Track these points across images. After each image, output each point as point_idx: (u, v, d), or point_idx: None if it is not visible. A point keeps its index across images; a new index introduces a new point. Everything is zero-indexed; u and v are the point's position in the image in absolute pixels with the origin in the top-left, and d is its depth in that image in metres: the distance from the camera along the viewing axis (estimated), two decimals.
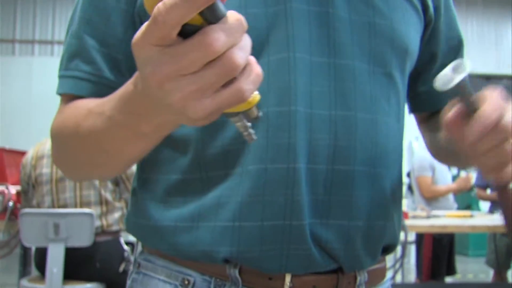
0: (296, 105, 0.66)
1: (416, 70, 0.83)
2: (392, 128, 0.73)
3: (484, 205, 5.88)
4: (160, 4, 0.38)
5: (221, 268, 0.68)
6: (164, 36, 0.40)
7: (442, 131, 0.77)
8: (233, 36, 0.40)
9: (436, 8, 0.81)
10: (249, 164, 0.66)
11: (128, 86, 0.51)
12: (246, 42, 0.42)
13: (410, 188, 5.42)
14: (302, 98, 0.66)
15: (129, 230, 0.78)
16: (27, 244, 2.67)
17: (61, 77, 0.72)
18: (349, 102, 0.68)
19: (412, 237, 4.63)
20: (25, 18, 8.29)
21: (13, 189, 2.95)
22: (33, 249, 2.86)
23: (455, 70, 0.57)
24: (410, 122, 0.87)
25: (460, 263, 5.57)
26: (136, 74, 0.48)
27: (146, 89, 0.44)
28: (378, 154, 0.70)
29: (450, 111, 0.62)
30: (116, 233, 2.64)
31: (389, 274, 0.79)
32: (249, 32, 0.42)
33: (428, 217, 3.42)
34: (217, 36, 0.39)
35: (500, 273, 4.31)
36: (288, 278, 0.68)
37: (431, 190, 4.42)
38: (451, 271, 4.52)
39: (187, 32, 0.40)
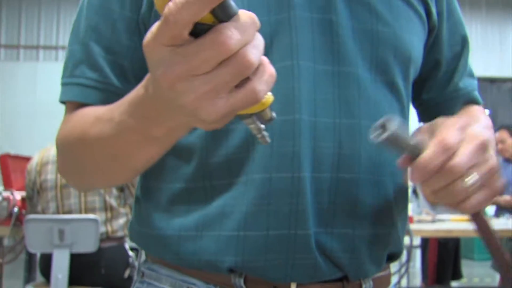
0: (300, 114, 0.65)
1: (421, 78, 0.83)
2: None
3: (490, 209, 5.85)
4: (171, 4, 0.38)
5: (225, 277, 0.68)
6: (176, 36, 0.39)
7: None
8: (246, 34, 0.40)
9: (439, 14, 0.81)
10: (254, 173, 0.66)
11: (138, 90, 0.50)
12: (259, 40, 0.42)
13: (415, 192, 5.40)
14: (306, 106, 0.66)
15: (133, 239, 0.78)
16: (32, 250, 2.68)
17: (65, 84, 0.71)
18: (353, 110, 0.68)
19: (417, 241, 4.61)
20: (29, 24, 8.32)
21: (18, 195, 2.96)
22: (38, 255, 2.86)
23: (384, 126, 0.57)
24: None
25: (466, 267, 5.55)
26: (147, 77, 0.48)
27: (158, 91, 0.44)
28: (382, 162, 0.70)
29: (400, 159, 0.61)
30: (121, 239, 2.65)
31: (394, 279, 0.79)
32: None
33: (433, 221, 3.41)
34: (230, 34, 0.39)
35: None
36: (293, 287, 0.67)
37: None
38: (457, 275, 4.50)
39: (198, 31, 0.40)
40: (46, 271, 2.59)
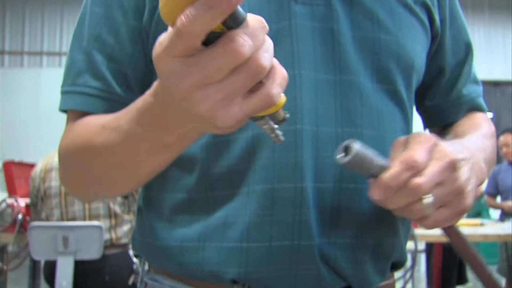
0: (302, 124, 0.65)
1: (424, 85, 0.83)
2: None
3: (495, 213, 5.82)
4: (182, 17, 0.38)
5: None
6: (189, 47, 0.39)
7: None
8: (257, 39, 0.40)
9: (442, 21, 0.80)
10: (256, 184, 0.66)
11: (146, 98, 0.50)
12: (269, 43, 0.42)
13: None
14: (308, 116, 0.66)
15: (135, 249, 0.78)
16: (36, 257, 2.67)
17: (67, 92, 0.71)
18: (355, 119, 0.68)
19: (422, 246, 4.59)
20: (33, 30, 8.35)
21: (22, 202, 2.96)
22: (42, 262, 2.86)
23: (347, 148, 0.57)
24: None
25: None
26: (155, 86, 0.47)
27: (171, 100, 0.43)
28: None
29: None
30: (125, 246, 2.64)
31: (400, 284, 0.79)
32: None
33: None
34: (242, 41, 0.39)
35: None
36: None
37: None
38: (463, 279, 4.48)
39: (209, 39, 0.40)
40: (50, 278, 2.59)
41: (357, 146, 0.56)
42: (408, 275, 3.18)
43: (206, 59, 0.39)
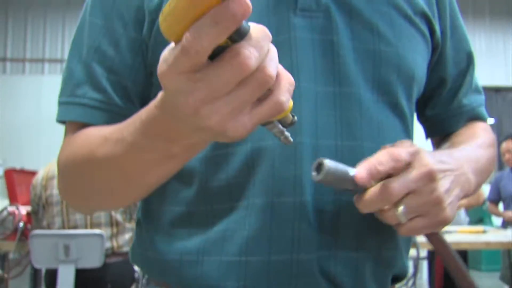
0: (301, 136, 0.65)
1: (425, 95, 0.82)
2: None
3: (497, 219, 5.81)
4: (188, 35, 0.38)
5: None
6: (195, 64, 0.39)
7: None
8: (262, 49, 0.40)
9: (443, 32, 0.80)
10: (255, 197, 0.65)
11: (151, 110, 0.50)
12: (274, 51, 0.42)
13: None
14: (307, 129, 0.65)
15: (135, 261, 0.77)
16: (37, 266, 2.67)
17: (65, 103, 0.70)
18: (355, 132, 0.67)
19: (424, 253, 4.57)
20: (35, 37, 8.37)
21: (24, 210, 2.96)
22: (43, 270, 2.85)
23: (319, 166, 0.57)
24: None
25: (474, 277, 5.49)
26: (160, 99, 0.47)
27: (179, 115, 0.43)
28: None
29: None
30: (127, 254, 2.63)
31: None
32: None
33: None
34: (248, 54, 0.39)
35: None
36: None
37: None
38: None
39: (213, 53, 0.40)
40: (52, 287, 2.58)
41: (328, 163, 0.56)
42: (410, 282, 3.16)
43: (213, 74, 0.39)
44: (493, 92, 8.44)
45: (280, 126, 0.48)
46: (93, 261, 2.47)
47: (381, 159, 0.58)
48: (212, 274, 0.66)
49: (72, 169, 0.68)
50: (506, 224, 4.34)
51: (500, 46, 8.67)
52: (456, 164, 0.64)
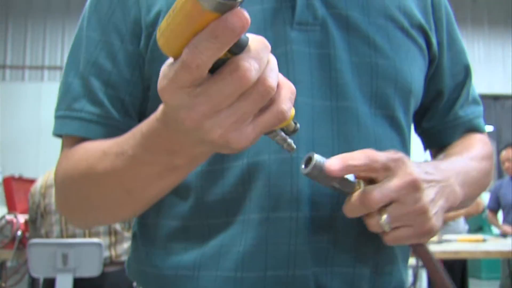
0: (298, 151, 0.64)
1: (422, 107, 0.82)
2: None
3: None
4: (187, 50, 0.38)
5: None
6: (196, 79, 0.39)
7: None
8: (262, 61, 0.40)
9: (440, 44, 0.80)
10: (251, 213, 0.65)
11: (152, 124, 0.50)
12: (273, 62, 0.42)
13: None
14: (304, 144, 0.65)
15: (131, 275, 0.77)
16: (35, 275, 2.66)
17: (62, 117, 0.70)
18: (353, 146, 0.67)
19: None
20: (35, 45, 8.38)
21: (22, 218, 2.95)
22: (41, 279, 2.84)
23: (309, 160, 0.58)
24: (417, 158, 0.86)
25: (473, 286, 5.48)
26: (162, 113, 0.47)
27: (181, 128, 0.43)
28: None
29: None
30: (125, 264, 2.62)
31: None
32: None
33: (439, 242, 3.37)
34: (249, 66, 0.39)
35: None
36: None
37: None
38: None
39: (213, 66, 0.40)
40: None
41: (317, 158, 0.57)
42: None
43: (214, 88, 0.39)
44: (492, 100, 8.45)
45: (282, 134, 0.48)
46: (92, 270, 2.46)
47: (354, 155, 0.58)
48: None
49: (70, 184, 0.68)
50: (506, 234, 4.33)
51: (499, 54, 8.69)
52: (442, 176, 0.64)
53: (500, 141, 8.06)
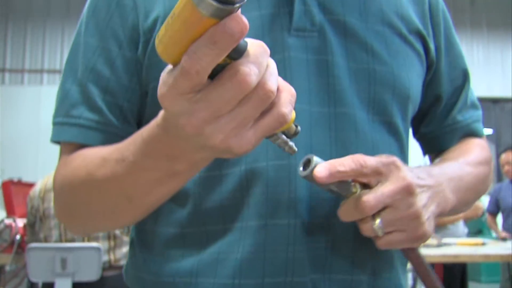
0: (295, 158, 0.64)
1: (420, 112, 0.82)
2: None
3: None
4: (186, 56, 0.38)
5: None
6: (196, 85, 0.39)
7: None
8: (261, 65, 0.40)
9: (438, 49, 0.80)
10: (249, 220, 0.65)
11: (153, 129, 0.50)
12: (273, 66, 0.42)
13: None
14: (302, 150, 0.65)
15: (128, 282, 0.76)
16: (34, 279, 2.65)
17: (60, 124, 0.70)
18: (351, 152, 0.66)
19: None
20: (34, 48, 8.39)
21: (21, 222, 2.95)
22: (40, 283, 2.83)
23: (307, 162, 0.58)
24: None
25: None
26: (162, 119, 0.47)
27: (182, 134, 0.43)
28: None
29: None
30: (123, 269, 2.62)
31: None
32: None
33: (439, 245, 3.37)
34: (248, 71, 0.39)
35: None
36: None
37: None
38: None
39: (213, 72, 0.40)
40: None
41: (316, 160, 0.57)
42: None
43: (214, 94, 0.39)
44: (491, 103, 8.46)
45: (283, 137, 0.49)
46: (90, 274, 2.46)
47: (343, 161, 0.58)
48: None
49: (69, 191, 0.67)
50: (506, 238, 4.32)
51: (498, 57, 8.70)
52: (434, 181, 0.64)
53: (499, 144, 8.06)
